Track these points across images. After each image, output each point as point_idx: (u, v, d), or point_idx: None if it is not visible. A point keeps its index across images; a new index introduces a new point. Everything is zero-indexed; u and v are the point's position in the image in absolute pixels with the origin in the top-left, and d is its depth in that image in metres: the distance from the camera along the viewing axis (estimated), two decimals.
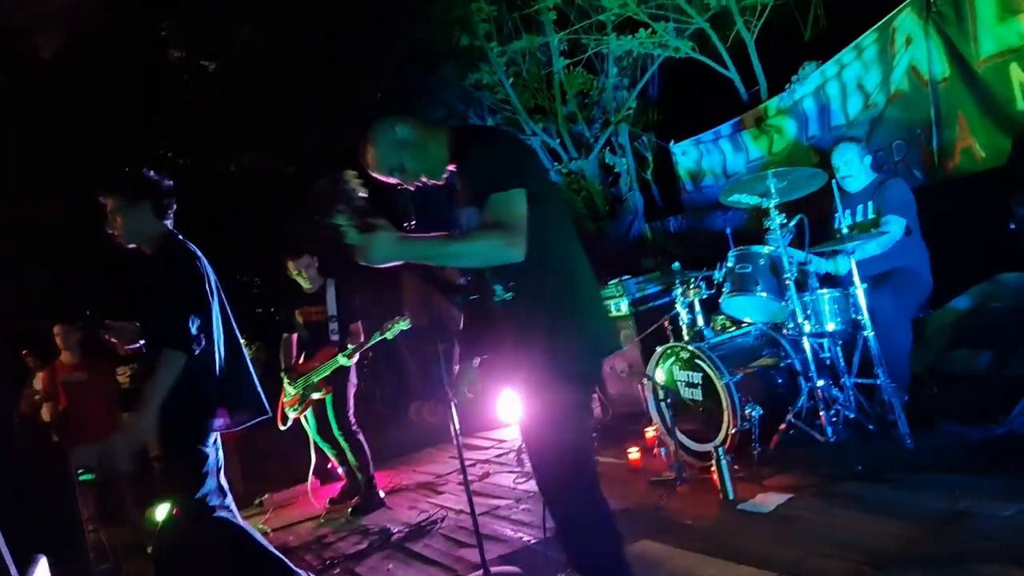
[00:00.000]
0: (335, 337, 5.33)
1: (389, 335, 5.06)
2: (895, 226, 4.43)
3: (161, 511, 4.37)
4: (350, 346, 5.21)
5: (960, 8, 5.17)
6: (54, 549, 1.98)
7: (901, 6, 5.61)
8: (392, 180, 2.63)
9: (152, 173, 3.39)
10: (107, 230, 3.34)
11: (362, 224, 2.25)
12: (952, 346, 4.79)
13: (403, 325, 4.99)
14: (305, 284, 5.49)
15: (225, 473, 6.34)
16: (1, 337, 7.68)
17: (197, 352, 3.13)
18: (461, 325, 3.01)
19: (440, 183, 2.64)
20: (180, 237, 3.36)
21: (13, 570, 1.20)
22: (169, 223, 3.39)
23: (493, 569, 3.45)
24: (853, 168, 4.70)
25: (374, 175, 2.64)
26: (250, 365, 3.54)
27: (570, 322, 2.43)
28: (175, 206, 3.42)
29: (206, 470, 3.21)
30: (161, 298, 3.15)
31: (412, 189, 2.65)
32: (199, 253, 3.34)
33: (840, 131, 6.30)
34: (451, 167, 2.60)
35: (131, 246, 3.36)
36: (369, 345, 5.17)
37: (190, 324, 3.10)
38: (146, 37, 10.46)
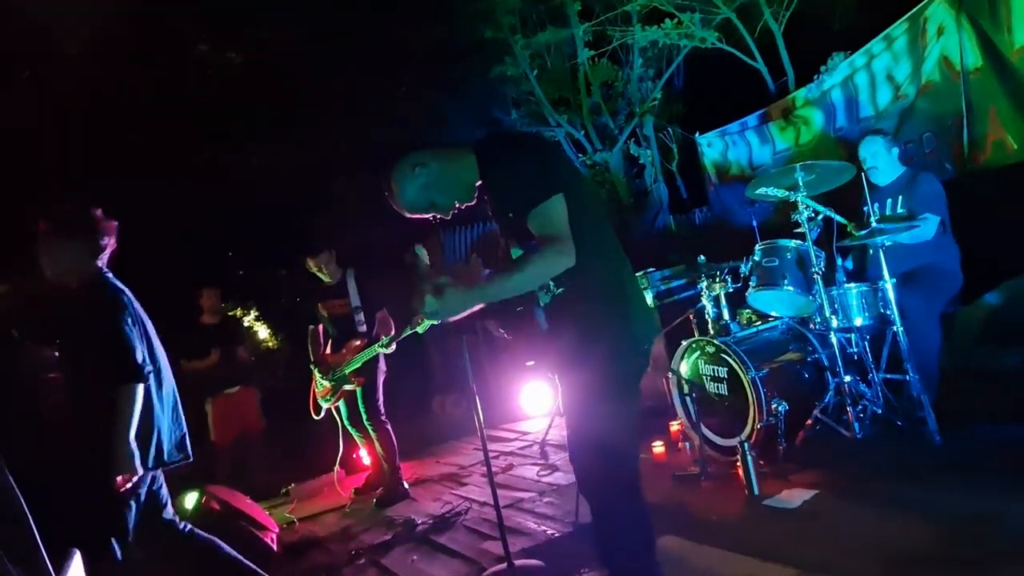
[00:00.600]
0: (362, 328, 5.36)
1: (420, 329, 5.06)
2: (931, 223, 4.35)
3: (190, 500, 4.46)
4: (384, 336, 5.22)
5: None
6: (88, 545, 2.01)
7: None
8: (428, 216, 2.64)
9: (99, 212, 3.33)
10: (35, 254, 3.26)
11: (431, 288, 2.29)
12: (982, 342, 4.73)
13: (433, 320, 4.99)
14: (326, 279, 5.52)
15: (251, 464, 6.44)
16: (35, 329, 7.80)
17: (151, 378, 3.17)
18: (508, 337, 3.02)
19: (473, 203, 2.64)
20: (109, 276, 3.32)
21: (48, 567, 1.23)
22: (102, 263, 3.33)
23: (517, 562, 3.47)
24: (880, 161, 4.63)
25: (409, 217, 2.65)
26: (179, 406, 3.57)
27: (621, 308, 2.45)
28: (112, 247, 3.36)
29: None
30: (99, 337, 3.14)
31: (448, 218, 2.66)
32: (126, 290, 3.31)
33: (868, 123, 6.22)
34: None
35: (54, 278, 3.29)
36: (401, 338, 5.19)
37: (135, 354, 3.12)
38: (171, 29, 10.53)
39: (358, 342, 5.29)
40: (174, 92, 10.34)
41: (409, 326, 5.03)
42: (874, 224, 4.15)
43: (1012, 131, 5.18)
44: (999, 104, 5.21)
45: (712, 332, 4.72)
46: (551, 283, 2.47)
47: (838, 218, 4.40)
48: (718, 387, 4.52)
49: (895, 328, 4.03)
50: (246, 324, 12.91)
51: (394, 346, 5.24)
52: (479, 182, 2.58)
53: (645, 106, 10.17)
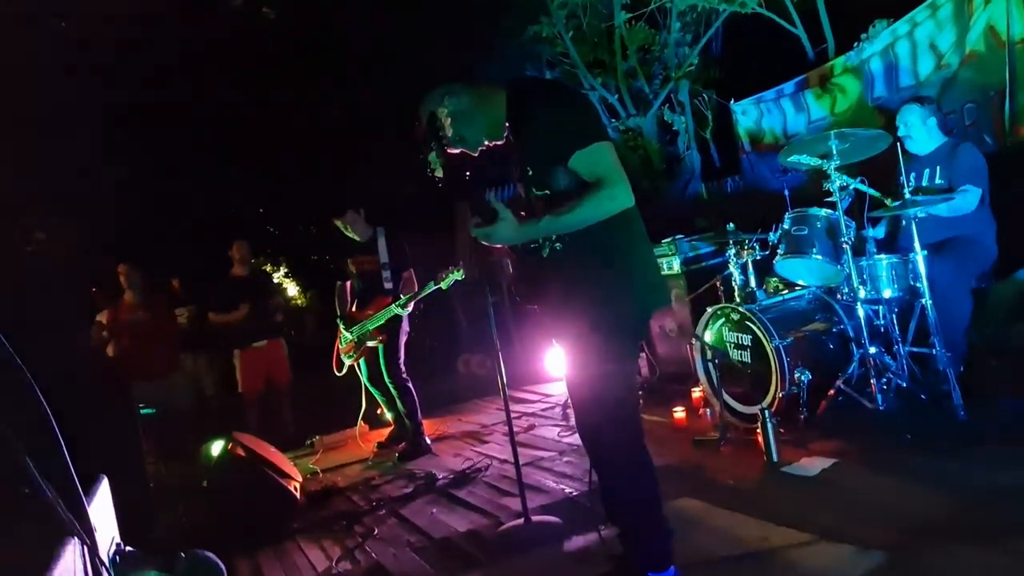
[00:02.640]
0: (388, 285, 5.41)
1: (444, 285, 5.08)
2: (972, 195, 4.24)
3: (216, 447, 4.57)
4: (403, 296, 5.28)
5: None
6: (116, 473, 2.08)
7: None
8: (454, 151, 2.64)
9: None
10: None
11: (487, 213, 2.40)
12: (1015, 318, 4.65)
13: (457, 275, 5.02)
14: (355, 237, 5.56)
15: (277, 414, 6.54)
16: (73, 273, 7.99)
17: None
18: (513, 273, 3.03)
19: (502, 142, 2.64)
20: None
21: (79, 488, 1.28)
22: None
23: (534, 518, 3.52)
24: (914, 130, 4.52)
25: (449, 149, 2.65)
26: None
27: (619, 273, 2.44)
28: None
29: None
30: None
31: (475, 155, 2.66)
32: None
33: (909, 92, 6.08)
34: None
35: None
36: (423, 295, 5.23)
37: None
38: None
39: (384, 299, 5.35)
40: (209, 46, 10.39)
41: (433, 282, 5.07)
42: (907, 195, 4.08)
43: None
44: None
45: (738, 299, 4.70)
46: (552, 235, 2.47)
47: (870, 191, 4.33)
48: (741, 355, 4.51)
49: (924, 301, 3.98)
50: (276, 280, 13.07)
51: (411, 306, 5.29)
52: (507, 123, 2.58)
53: (681, 71, 10.04)
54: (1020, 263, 4.75)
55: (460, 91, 2.56)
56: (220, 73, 10.75)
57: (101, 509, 1.73)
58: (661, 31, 10.21)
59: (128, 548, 1.74)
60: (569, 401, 5.75)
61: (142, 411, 5.37)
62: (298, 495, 4.57)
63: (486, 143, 2.62)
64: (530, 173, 2.51)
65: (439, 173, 2.48)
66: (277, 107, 11.29)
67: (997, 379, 4.03)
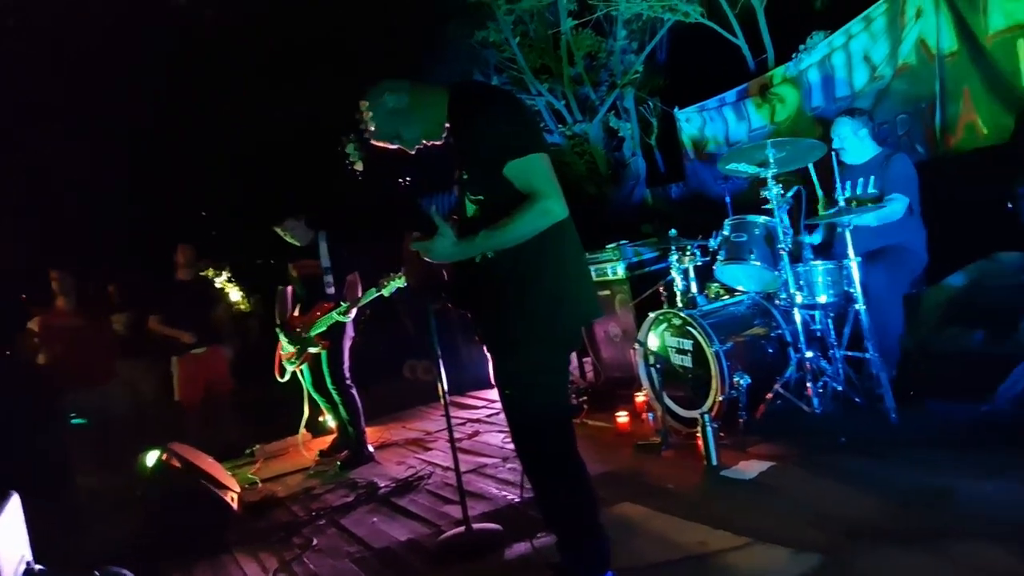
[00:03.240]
0: (331, 290, 5.34)
1: (386, 292, 5.04)
2: (899, 204, 4.40)
3: (151, 457, 4.44)
4: (344, 303, 5.21)
5: None
6: (36, 489, 2.00)
7: None
8: (393, 146, 2.61)
9: None
10: None
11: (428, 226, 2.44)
12: (945, 323, 4.79)
13: (399, 282, 4.98)
14: (295, 243, 5.48)
15: (217, 423, 6.40)
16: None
17: None
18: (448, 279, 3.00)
19: (440, 143, 2.62)
20: None
21: None
22: None
23: (475, 526, 3.50)
24: (847, 142, 4.66)
25: (376, 144, 2.63)
26: None
27: (550, 284, 2.44)
28: None
29: None
30: None
31: (413, 153, 2.64)
32: None
33: (845, 102, 6.24)
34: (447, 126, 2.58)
35: None
36: (365, 302, 5.17)
37: None
38: None
39: (326, 304, 5.27)
40: (149, 46, 10.15)
41: (375, 288, 5.02)
42: (842, 203, 4.18)
43: (983, 115, 5.22)
44: (972, 88, 5.24)
45: (680, 305, 4.75)
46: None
47: (817, 189, 4.42)
48: (683, 359, 4.55)
49: (858, 306, 4.08)
50: (218, 285, 12.80)
51: (354, 312, 5.23)
52: (448, 124, 2.57)
53: (627, 78, 10.13)
54: (950, 269, 4.90)
55: (401, 89, 2.55)
56: (161, 74, 10.51)
57: (9, 527, 1.65)
58: (607, 38, 10.28)
59: (38, 567, 1.66)
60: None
61: (73, 421, 5.21)
62: (235, 506, 4.47)
63: (424, 142, 2.61)
64: (465, 178, 2.50)
65: (359, 166, 2.46)
66: (221, 108, 11.07)
67: (927, 382, 4.14)
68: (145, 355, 7.16)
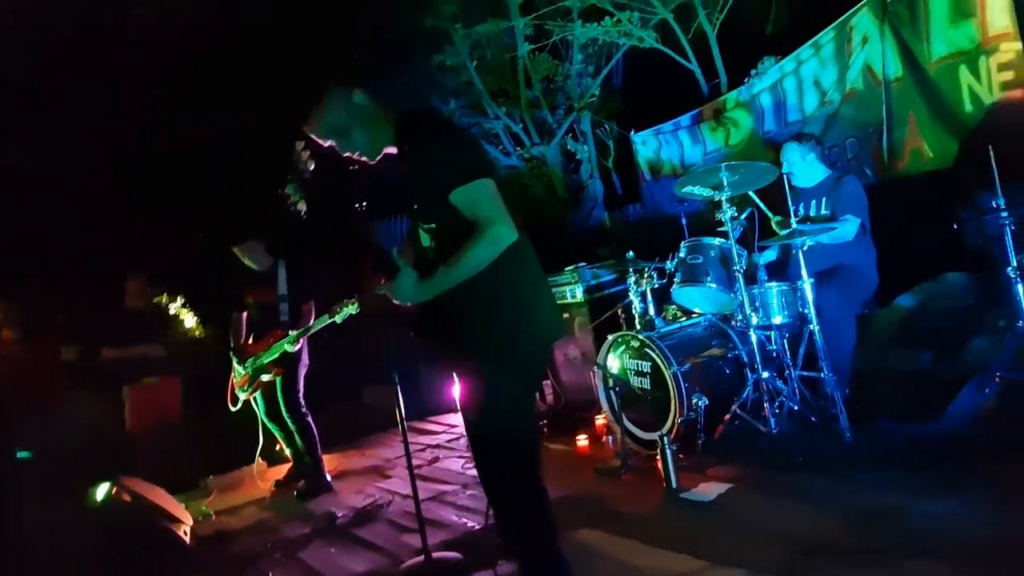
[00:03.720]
0: (285, 318, 5.26)
1: (338, 319, 4.99)
2: (851, 224, 4.49)
3: (100, 491, 4.32)
4: (292, 332, 5.14)
5: (914, 9, 5.26)
6: None
7: (859, 5, 5.69)
8: (325, 143, 2.59)
9: None
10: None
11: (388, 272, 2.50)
12: (895, 343, 4.89)
13: (352, 309, 4.94)
14: (253, 266, 5.41)
15: (169, 455, 6.26)
16: None
17: None
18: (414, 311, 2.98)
19: (372, 164, 2.61)
20: None
21: None
22: None
23: (434, 555, 3.45)
24: (795, 167, 4.77)
25: (309, 133, 2.60)
26: None
27: (511, 307, 2.45)
28: None
29: None
30: None
31: (342, 156, 2.62)
32: None
33: (796, 126, 6.38)
34: (390, 150, 2.58)
35: None
36: (317, 328, 5.11)
37: None
38: None
39: (280, 332, 5.20)
40: (93, 58, 9.97)
41: (327, 315, 4.97)
42: (795, 224, 4.25)
43: (929, 140, 5.37)
44: (917, 113, 5.40)
45: (638, 327, 4.78)
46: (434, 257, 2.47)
47: (765, 211, 4.49)
48: (642, 381, 4.57)
49: (812, 327, 4.14)
50: (172, 312, 12.55)
51: (300, 343, 5.16)
52: (391, 149, 2.57)
53: (583, 102, 10.23)
54: (900, 290, 5.01)
55: (369, 95, 2.56)
56: (113, 92, 10.34)
57: None
58: (564, 62, 10.39)
59: None
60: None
61: (19, 455, 5.04)
62: (188, 540, 4.35)
63: (358, 154, 2.59)
64: (416, 207, 2.50)
65: (301, 206, 2.47)
66: (177, 132, 10.91)
67: (879, 402, 4.21)
68: (95, 385, 6.99)
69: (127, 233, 10.82)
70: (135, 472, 4.92)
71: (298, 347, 5.19)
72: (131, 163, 10.38)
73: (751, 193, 4.49)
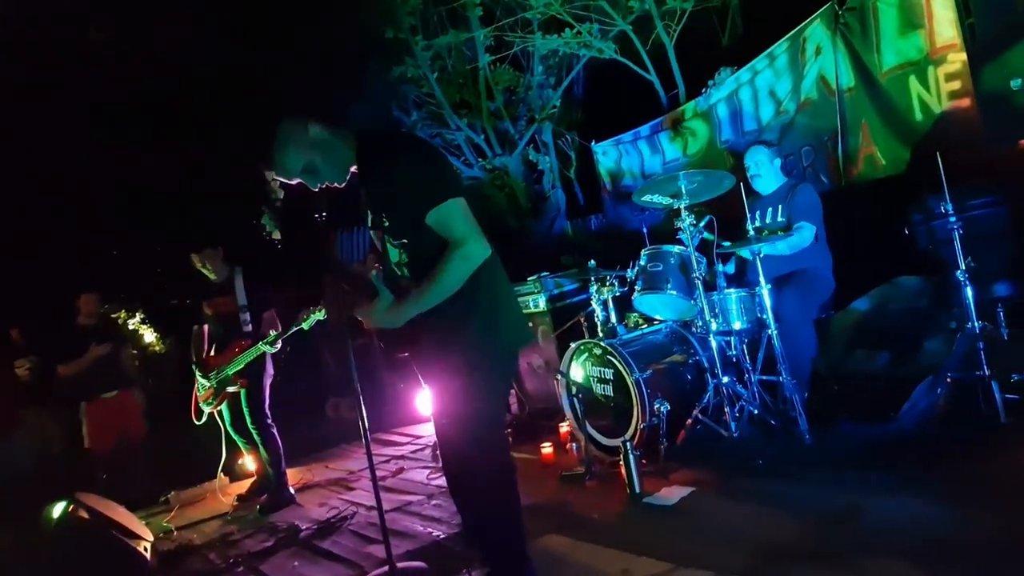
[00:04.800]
0: (248, 328, 5.20)
1: (305, 325, 4.95)
2: (807, 232, 4.57)
3: (57, 509, 4.23)
4: (272, 332, 5.10)
5: (865, 21, 5.38)
6: None
7: (812, 17, 5.80)
8: (294, 182, 2.59)
9: None
10: None
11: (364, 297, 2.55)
12: (853, 346, 4.98)
13: (319, 315, 4.90)
14: (211, 276, 5.35)
15: (129, 471, 6.15)
16: None
17: None
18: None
19: (341, 187, 2.62)
20: None
21: None
22: None
23: (399, 565, 3.43)
24: (763, 169, 4.85)
25: (276, 177, 2.61)
26: None
27: (483, 314, 2.49)
28: None
29: None
30: None
31: (315, 190, 2.63)
32: None
33: (753, 136, 6.48)
34: (353, 169, 2.59)
35: None
36: (288, 334, 5.07)
37: None
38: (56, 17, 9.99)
39: (243, 342, 5.15)
40: (55, 85, 9.84)
41: (295, 323, 4.93)
42: (752, 233, 4.33)
43: (881, 147, 5.49)
44: (870, 122, 5.52)
45: (600, 335, 4.81)
46: (405, 271, 2.48)
47: (708, 236, 4.53)
48: (604, 388, 4.60)
49: (770, 332, 4.21)
50: (131, 327, 12.34)
51: (279, 344, 5.12)
52: (354, 168, 2.58)
53: (544, 113, 10.29)
54: (856, 294, 5.11)
55: (321, 125, 2.56)
56: (69, 107, 10.18)
57: None
58: (525, 74, 10.44)
59: None
60: (438, 442, 5.72)
61: None
62: (149, 556, 4.28)
63: (328, 182, 2.59)
64: (387, 224, 2.52)
65: (276, 235, 2.49)
66: (132, 145, 10.76)
67: (837, 404, 4.29)
68: (52, 402, 6.85)
69: (82, 249, 10.65)
70: (94, 490, 4.83)
71: (276, 348, 5.11)
72: (85, 180, 10.22)
73: (706, 233, 4.51)
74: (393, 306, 2.45)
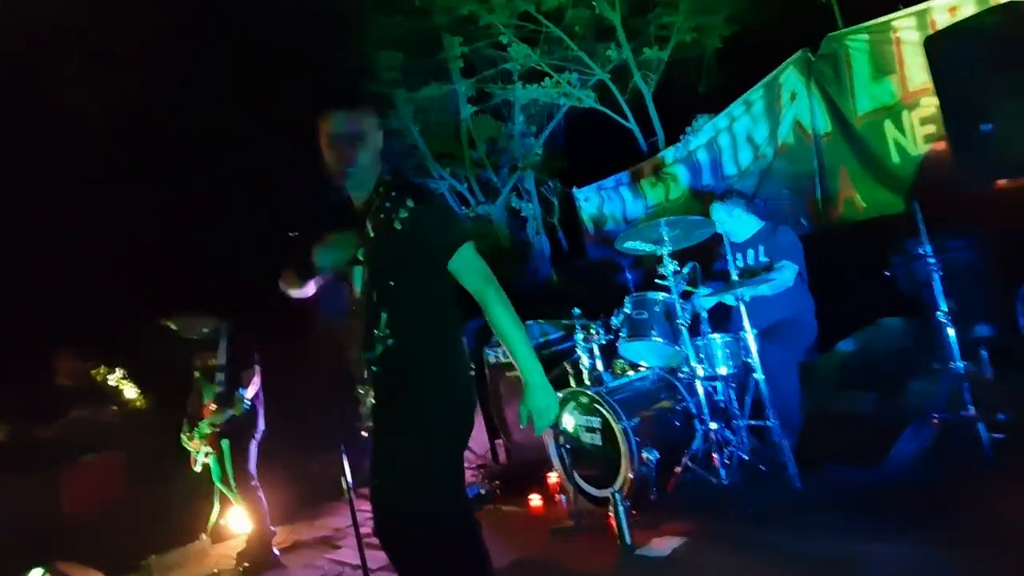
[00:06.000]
0: (220, 389, 5.11)
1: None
2: (788, 271, 4.59)
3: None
4: (213, 412, 5.06)
5: (838, 67, 5.49)
6: None
7: (785, 63, 5.92)
8: (337, 143, 2.56)
9: None
10: None
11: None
12: (840, 388, 4.97)
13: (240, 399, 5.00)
14: (191, 336, 5.30)
15: (109, 535, 5.99)
16: None
17: None
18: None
19: (336, 185, 2.63)
20: None
21: None
22: None
23: None
24: (727, 224, 4.88)
25: (352, 117, 2.60)
26: None
27: (446, 369, 2.48)
28: None
29: None
30: None
31: (333, 164, 2.59)
32: None
33: (731, 181, 6.56)
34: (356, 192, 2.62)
35: None
36: (223, 421, 5.06)
37: None
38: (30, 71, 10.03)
39: (211, 405, 5.09)
40: (31, 134, 9.82)
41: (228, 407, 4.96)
42: (735, 277, 4.34)
43: (861, 191, 5.56)
44: (849, 166, 5.59)
45: (587, 382, 4.78)
46: (383, 332, 2.45)
47: (685, 287, 4.55)
48: (592, 437, 4.55)
49: (756, 376, 4.20)
50: (112, 383, 12.17)
51: (214, 428, 5.06)
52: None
53: (527, 161, 10.40)
54: (840, 336, 5.12)
55: (379, 133, 2.66)
56: (48, 164, 10.17)
57: None
58: (506, 123, 10.59)
59: None
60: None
61: None
62: None
63: (344, 169, 2.58)
64: (381, 263, 2.52)
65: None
66: (109, 195, 10.73)
67: (826, 447, 4.26)
68: (28, 466, 6.70)
69: (58, 304, 10.52)
70: (72, 556, 4.71)
71: (212, 430, 5.05)
72: (59, 231, 10.15)
73: (686, 286, 4.54)
74: (541, 385, 2.51)
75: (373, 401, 2.53)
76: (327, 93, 2.73)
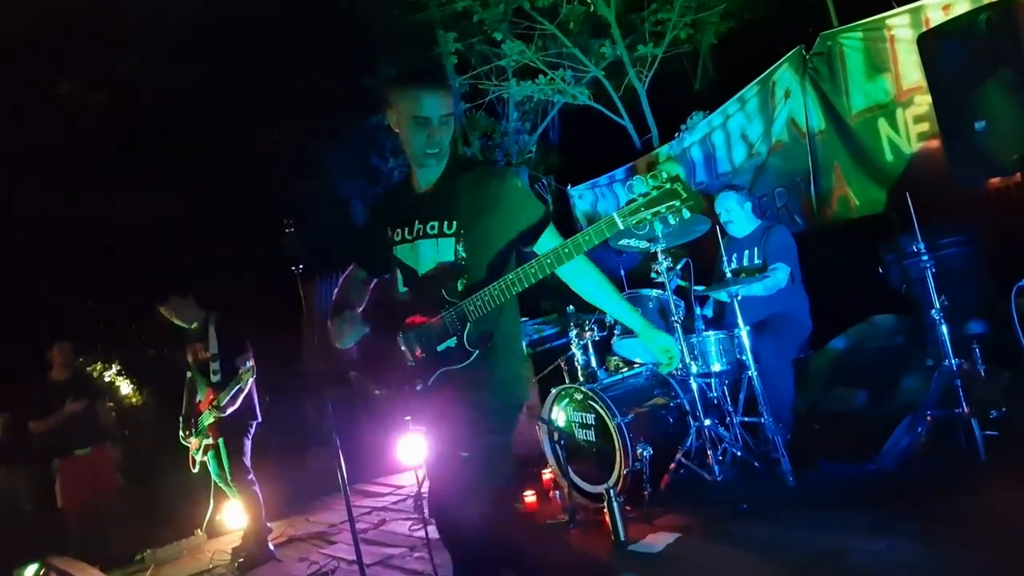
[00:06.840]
0: (217, 379, 5.08)
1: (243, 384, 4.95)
2: (781, 273, 4.61)
3: (28, 573, 4.12)
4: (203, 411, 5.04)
5: (832, 65, 5.51)
6: None
7: (780, 61, 5.93)
8: (425, 124, 2.51)
9: None
10: None
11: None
12: (832, 385, 5.01)
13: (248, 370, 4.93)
14: (183, 324, 5.27)
15: (104, 530, 6.00)
16: None
17: None
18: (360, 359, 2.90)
19: (419, 166, 2.63)
20: None
21: None
22: None
23: None
24: (734, 215, 4.90)
25: (415, 106, 2.54)
26: None
27: (519, 346, 2.67)
28: None
29: None
30: None
31: (418, 145, 2.55)
32: None
33: (726, 178, 6.57)
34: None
35: None
36: (229, 396, 4.98)
37: None
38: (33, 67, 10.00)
39: (210, 395, 5.06)
40: (29, 132, 9.80)
41: (233, 381, 4.91)
42: (729, 276, 4.36)
43: (854, 188, 5.58)
44: (843, 163, 5.61)
45: (581, 379, 4.79)
46: (463, 342, 2.47)
47: (682, 282, 4.57)
48: (586, 434, 4.57)
49: (750, 373, 4.22)
50: (107, 379, 12.16)
51: (230, 408, 5.01)
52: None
53: (521, 158, 10.40)
54: (833, 333, 5.15)
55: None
56: (40, 160, 10.14)
57: None
58: (501, 120, 10.59)
59: None
60: (421, 492, 5.63)
61: None
62: None
63: (439, 145, 2.54)
64: (463, 232, 2.53)
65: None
66: (111, 195, 10.72)
67: (819, 444, 4.29)
68: (23, 460, 6.70)
69: (53, 300, 10.51)
70: (66, 551, 4.71)
71: (225, 414, 5.01)
72: (53, 228, 10.13)
73: (680, 280, 4.56)
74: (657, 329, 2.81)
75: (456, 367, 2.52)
76: (412, 71, 2.66)
